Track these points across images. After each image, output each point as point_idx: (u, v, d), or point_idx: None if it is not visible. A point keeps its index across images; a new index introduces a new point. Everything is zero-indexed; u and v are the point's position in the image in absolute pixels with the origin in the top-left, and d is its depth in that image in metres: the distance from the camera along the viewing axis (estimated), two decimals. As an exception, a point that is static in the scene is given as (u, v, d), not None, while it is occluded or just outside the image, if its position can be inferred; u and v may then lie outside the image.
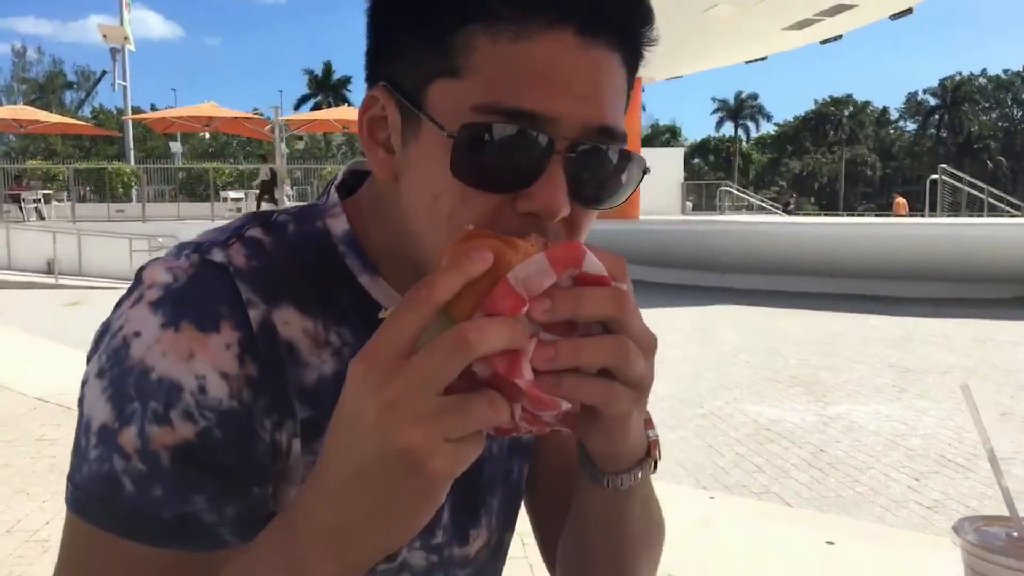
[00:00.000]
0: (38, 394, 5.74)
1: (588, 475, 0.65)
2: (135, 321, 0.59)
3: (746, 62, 19.28)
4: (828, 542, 3.24)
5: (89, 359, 0.62)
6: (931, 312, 10.79)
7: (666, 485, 4.32)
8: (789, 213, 22.98)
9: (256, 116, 26.40)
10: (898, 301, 11.70)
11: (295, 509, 0.52)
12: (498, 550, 0.80)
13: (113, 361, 0.59)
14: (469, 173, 0.56)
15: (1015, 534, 0.64)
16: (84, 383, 0.61)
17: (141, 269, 0.63)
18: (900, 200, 25.80)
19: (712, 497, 4.00)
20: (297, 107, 60.64)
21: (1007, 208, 19.57)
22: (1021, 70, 79.50)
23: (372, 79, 0.64)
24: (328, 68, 64.10)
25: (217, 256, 0.63)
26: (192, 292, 0.60)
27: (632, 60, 0.63)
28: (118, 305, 0.62)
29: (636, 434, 0.60)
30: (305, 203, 0.71)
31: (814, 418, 5.67)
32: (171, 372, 0.57)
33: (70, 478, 0.60)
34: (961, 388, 0.70)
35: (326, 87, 64.80)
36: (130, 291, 0.62)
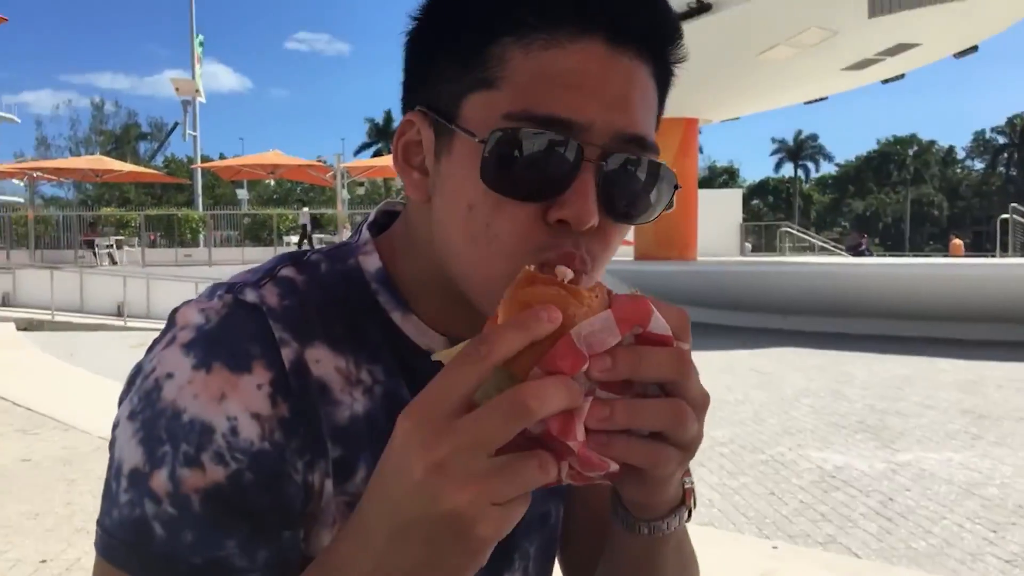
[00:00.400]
0: (102, 434, 5.89)
1: (622, 522, 0.64)
2: (167, 363, 0.59)
3: (805, 103, 19.09)
4: (899, 596, 3.09)
5: (121, 402, 0.61)
6: (1005, 356, 10.35)
7: (727, 534, 4.19)
8: (860, 255, 22.27)
9: (319, 163, 27.20)
10: (969, 344, 11.26)
11: (334, 555, 0.51)
12: None
13: (145, 403, 0.59)
14: (499, 180, 0.56)
15: None
16: (115, 426, 0.61)
17: (175, 311, 0.63)
18: (957, 242, 25.04)
19: (775, 547, 3.86)
20: (357, 153, 62.31)
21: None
22: (1095, 106, 76.76)
23: (408, 107, 0.65)
24: (388, 116, 65.79)
25: (250, 296, 0.62)
26: (224, 333, 0.60)
27: (662, 75, 0.63)
28: (151, 347, 0.62)
29: (675, 486, 0.60)
30: (337, 243, 0.72)
31: (882, 465, 5.45)
32: (202, 414, 0.57)
33: (100, 522, 0.60)
34: None
35: (386, 134, 66.39)
36: (163, 333, 0.62)
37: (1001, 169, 77.97)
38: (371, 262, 0.69)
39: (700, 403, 0.51)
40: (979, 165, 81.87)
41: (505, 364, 0.45)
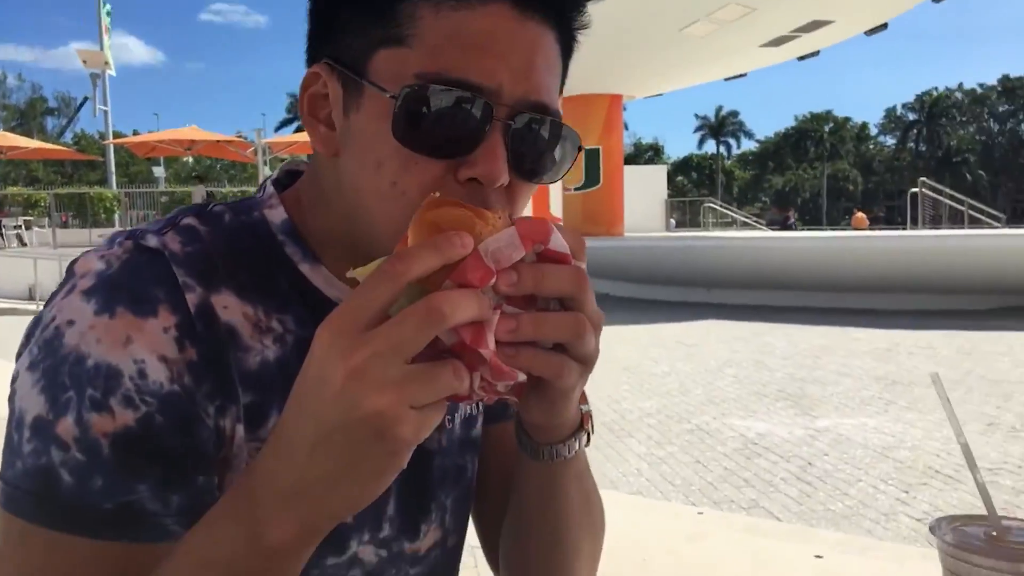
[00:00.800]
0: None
1: (525, 449, 0.67)
2: (68, 310, 0.57)
3: (725, 79, 19.44)
4: (817, 556, 3.20)
5: (19, 356, 0.59)
6: (916, 324, 10.83)
7: (654, 502, 4.27)
8: (789, 228, 22.89)
9: (239, 139, 26.36)
10: (883, 314, 11.74)
11: (253, 475, 0.51)
12: (454, 553, 0.79)
13: (46, 352, 0.57)
14: (410, 136, 0.57)
15: (993, 533, 0.62)
16: (14, 379, 0.58)
17: (73, 262, 0.62)
18: (860, 215, 26.30)
19: (701, 512, 3.95)
20: (279, 129, 60.68)
21: (988, 220, 19.76)
22: (997, 84, 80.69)
23: (313, 59, 0.64)
24: (311, 91, 64.21)
25: (152, 241, 0.62)
26: (126, 277, 0.59)
27: (566, 42, 0.65)
28: (50, 299, 0.60)
29: (574, 407, 0.63)
30: (239, 199, 0.71)
31: (801, 432, 5.65)
32: (108, 357, 0.55)
33: (1, 476, 0.57)
34: (931, 378, 0.69)
35: (309, 110, 64.62)
36: (62, 284, 0.60)
37: (911, 145, 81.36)
38: (276, 215, 0.68)
39: (597, 320, 0.54)
40: (891, 141, 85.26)
41: (418, 280, 0.47)
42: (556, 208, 19.70)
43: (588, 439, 0.68)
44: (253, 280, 0.64)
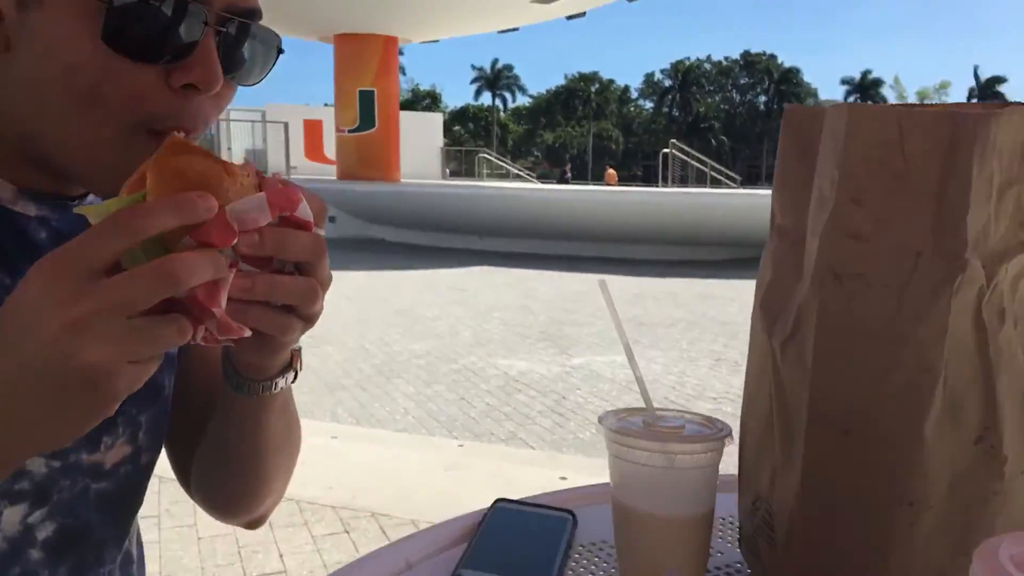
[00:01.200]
0: None
1: (231, 382, 0.66)
2: None
3: (499, 31, 19.79)
4: (562, 477, 3.50)
5: None
6: (662, 272, 11.92)
7: (418, 437, 4.41)
8: (566, 182, 23.80)
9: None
10: (635, 263, 12.77)
11: None
12: (146, 471, 0.75)
13: None
14: (122, 41, 0.54)
15: (649, 421, 0.72)
16: None
17: None
18: (611, 171, 28.59)
19: (461, 445, 4.14)
20: None
21: (727, 181, 22.07)
22: (739, 58, 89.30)
23: None
24: None
25: None
26: None
27: None
28: None
29: (288, 352, 0.64)
30: None
31: (558, 369, 6.05)
32: None
33: None
34: (599, 284, 0.76)
35: None
36: None
37: (666, 109, 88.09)
38: None
39: (327, 283, 0.55)
40: (649, 105, 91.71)
41: (145, 195, 0.46)
42: (329, 150, 19.13)
43: (295, 376, 0.68)
44: None
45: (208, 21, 0.56)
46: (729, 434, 0.70)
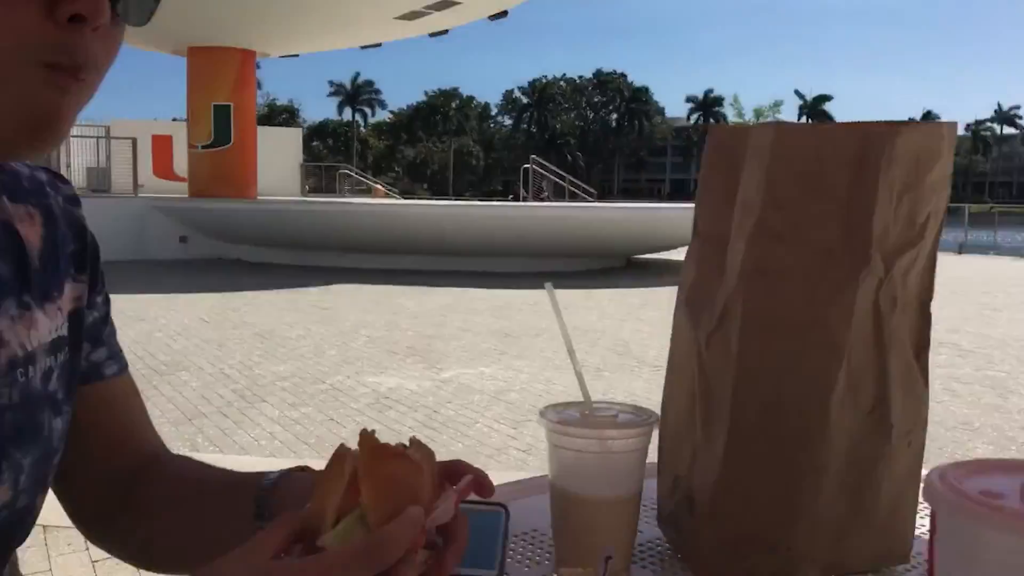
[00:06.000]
0: None
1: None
2: None
3: (361, 47, 19.65)
4: (439, 489, 3.54)
5: None
6: (526, 284, 12.14)
7: (289, 461, 4.32)
8: (543, 200, 22.55)
9: None
10: (499, 276, 12.98)
11: None
12: (25, 515, 0.71)
13: None
14: None
15: (586, 412, 0.80)
16: None
17: None
18: (379, 188, 29.68)
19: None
20: None
21: (583, 195, 22.83)
22: (592, 77, 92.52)
23: None
24: None
25: None
26: None
27: None
28: None
29: None
30: None
31: (429, 383, 6.09)
32: None
33: None
34: (545, 287, 0.84)
35: None
36: None
37: (524, 126, 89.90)
38: None
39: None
40: (508, 121, 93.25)
41: (363, 508, 0.51)
42: (180, 166, 18.28)
43: None
44: None
45: None
46: (656, 420, 0.78)
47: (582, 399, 0.81)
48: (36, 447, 0.70)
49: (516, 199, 23.59)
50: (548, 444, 0.78)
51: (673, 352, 0.86)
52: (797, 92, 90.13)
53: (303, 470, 0.76)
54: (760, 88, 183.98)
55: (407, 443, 0.57)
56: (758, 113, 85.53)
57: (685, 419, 0.82)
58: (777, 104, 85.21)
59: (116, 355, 0.82)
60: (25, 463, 0.68)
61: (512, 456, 4.53)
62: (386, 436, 0.49)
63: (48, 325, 0.70)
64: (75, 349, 0.74)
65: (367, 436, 0.55)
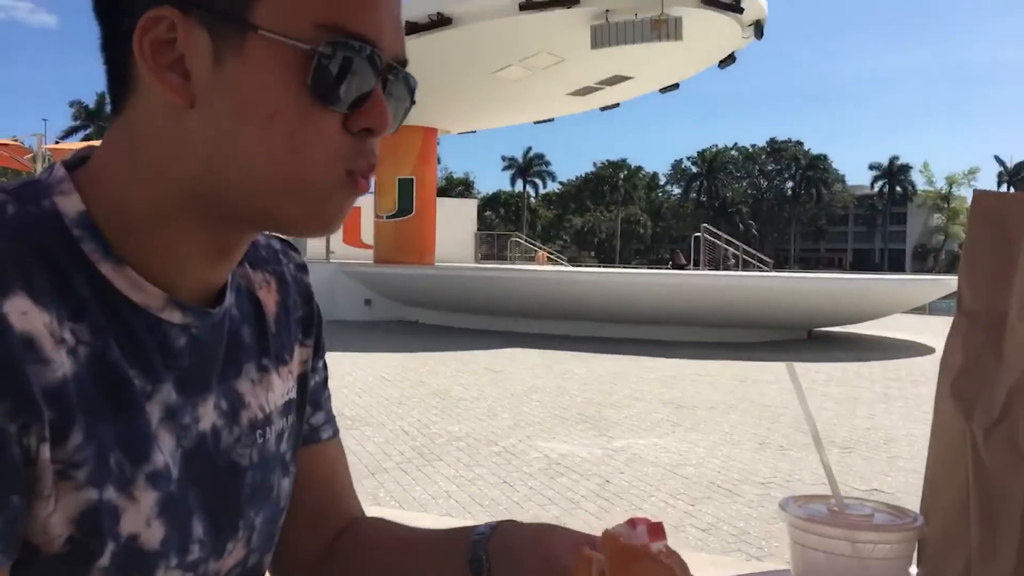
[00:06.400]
0: None
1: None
2: None
3: (534, 122, 20.37)
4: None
5: None
6: (696, 354, 11.84)
7: (463, 521, 4.37)
8: (682, 268, 22.82)
9: (14, 143, 23.81)
10: (668, 344, 12.72)
11: None
12: (253, 573, 0.74)
13: None
14: (326, 89, 0.57)
15: (835, 508, 0.72)
16: None
17: None
18: (540, 254, 29.99)
19: (509, 528, 4.09)
20: (66, 137, 55.56)
21: (757, 264, 22.09)
22: (766, 145, 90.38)
23: (136, 5, 0.58)
24: (101, 100, 59.47)
25: None
26: None
27: None
28: None
29: None
30: (22, 181, 0.62)
31: (600, 451, 6.00)
32: None
33: None
34: (787, 367, 0.78)
35: (98, 117, 59.97)
36: None
37: (694, 195, 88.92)
38: (71, 204, 0.60)
39: None
40: (677, 190, 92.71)
41: None
42: (367, 235, 19.56)
43: None
44: (48, 283, 0.56)
45: (380, 69, 0.60)
46: (922, 525, 0.69)
47: (820, 489, 0.76)
48: (268, 507, 0.73)
49: (675, 267, 23.08)
50: (790, 540, 0.71)
51: (934, 446, 0.76)
52: (997, 158, 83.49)
53: (511, 523, 0.76)
54: (951, 154, 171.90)
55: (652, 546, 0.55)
56: (951, 181, 79.81)
57: (955, 526, 0.72)
58: (973, 171, 79.17)
59: (331, 419, 0.86)
60: (258, 522, 0.71)
61: (691, 535, 4.33)
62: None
63: (281, 388, 0.74)
64: (301, 411, 0.78)
65: (610, 537, 0.54)
